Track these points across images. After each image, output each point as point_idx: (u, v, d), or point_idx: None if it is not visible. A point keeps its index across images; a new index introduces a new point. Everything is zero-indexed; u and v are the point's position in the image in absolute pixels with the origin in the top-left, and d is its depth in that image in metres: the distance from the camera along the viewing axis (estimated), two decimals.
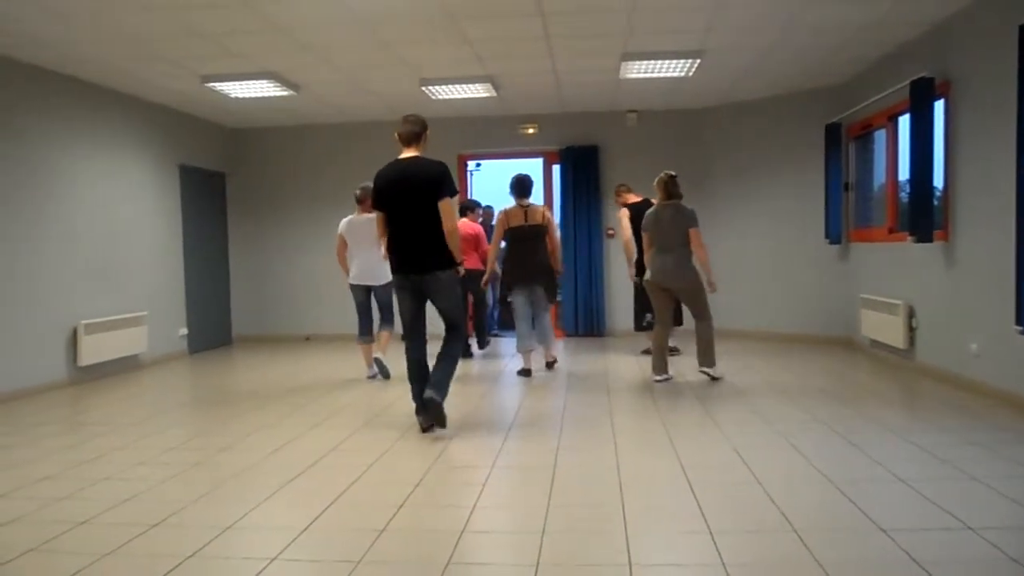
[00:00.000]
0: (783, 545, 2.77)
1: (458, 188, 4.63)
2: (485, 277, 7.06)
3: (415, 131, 4.64)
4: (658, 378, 6.12)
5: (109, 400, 5.98)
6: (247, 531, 3.07)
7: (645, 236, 6.13)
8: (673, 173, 6.10)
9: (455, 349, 4.68)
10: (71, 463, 4.09)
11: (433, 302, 4.66)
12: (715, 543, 2.80)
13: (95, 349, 6.83)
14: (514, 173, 6.73)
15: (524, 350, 6.66)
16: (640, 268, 6.59)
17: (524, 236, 6.54)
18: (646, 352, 7.97)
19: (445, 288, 4.61)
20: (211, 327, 9.12)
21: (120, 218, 7.43)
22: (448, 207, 4.48)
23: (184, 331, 8.49)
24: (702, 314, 6.05)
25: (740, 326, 8.85)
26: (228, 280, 9.61)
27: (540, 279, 6.59)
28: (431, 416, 4.51)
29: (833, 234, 7.83)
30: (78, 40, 5.72)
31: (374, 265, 6.34)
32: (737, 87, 8.01)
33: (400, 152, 4.64)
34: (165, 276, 8.19)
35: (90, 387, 6.55)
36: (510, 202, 6.63)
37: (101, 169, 7.18)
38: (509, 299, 6.68)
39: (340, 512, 3.26)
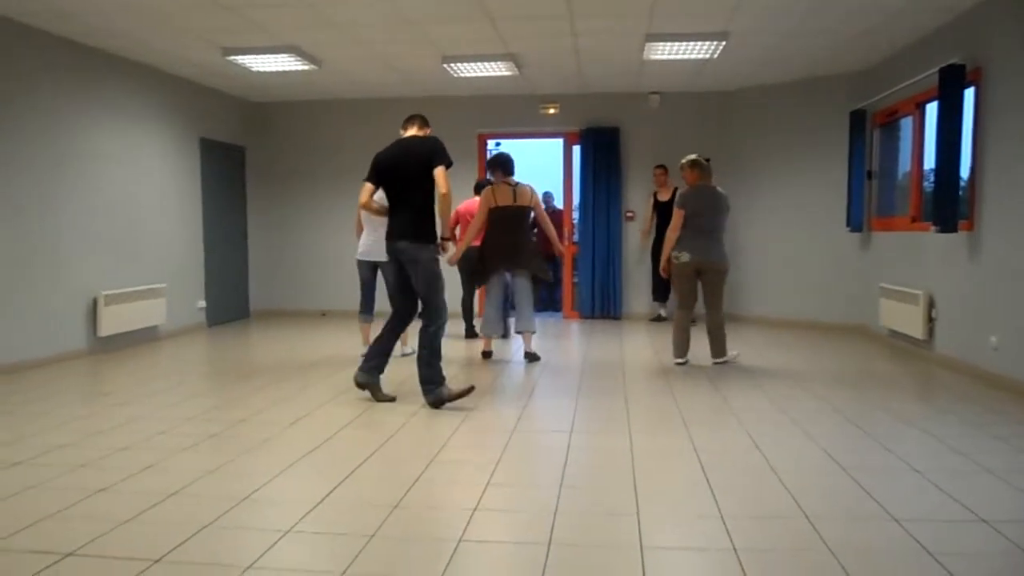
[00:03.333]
0: (795, 531, 2.77)
1: (452, 160, 4.60)
2: (454, 255, 6.46)
3: (415, 115, 4.90)
4: (679, 361, 6.10)
5: (128, 371, 6.04)
6: (262, 503, 3.10)
7: (679, 215, 5.97)
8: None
9: (427, 335, 4.62)
10: (90, 432, 4.15)
11: (410, 276, 4.69)
12: (727, 528, 2.80)
13: (115, 320, 6.90)
14: (496, 152, 6.46)
15: (488, 334, 6.45)
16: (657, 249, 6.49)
17: (509, 216, 6.18)
18: (659, 319, 8.29)
19: (418, 262, 4.61)
20: (229, 300, 9.18)
21: (141, 190, 7.48)
22: (442, 174, 4.51)
23: (202, 304, 8.56)
24: (720, 303, 6.03)
25: (756, 312, 8.81)
26: (246, 254, 9.65)
27: (524, 263, 6.28)
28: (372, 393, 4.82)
29: (854, 222, 7.75)
30: (102, 11, 5.72)
31: (383, 242, 6.25)
32: (762, 70, 7.92)
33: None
34: (184, 249, 8.25)
35: (109, 358, 6.63)
36: (525, 181, 6.35)
37: (123, 141, 7.22)
38: (484, 282, 6.42)
39: (354, 486, 3.29)
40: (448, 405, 4.65)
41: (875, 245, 7.66)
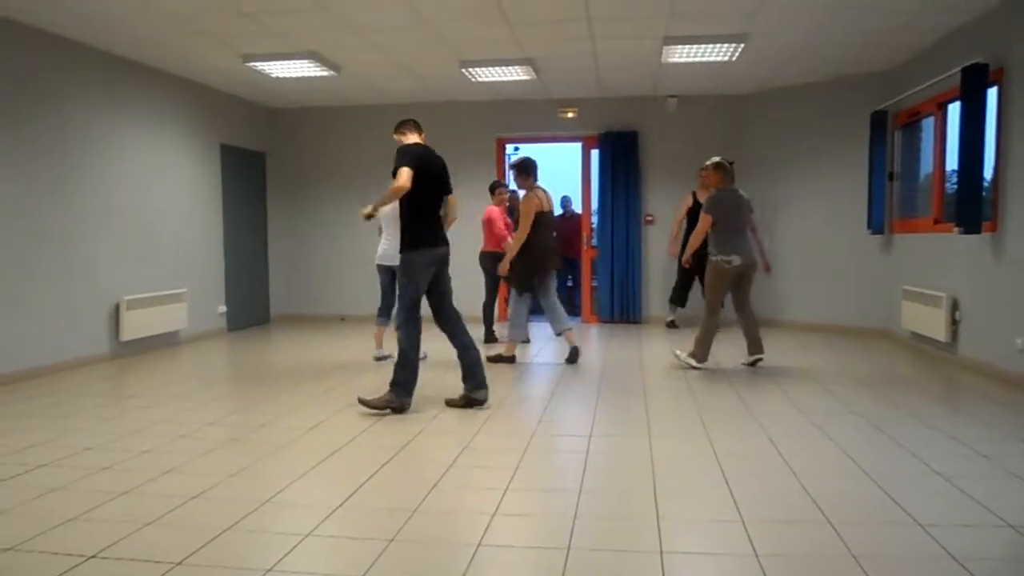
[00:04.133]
0: (817, 537, 2.74)
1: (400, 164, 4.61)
2: (505, 263, 6.45)
3: (414, 120, 4.94)
4: (700, 366, 6.07)
5: (150, 375, 6.10)
6: (282, 506, 3.12)
7: (708, 221, 5.95)
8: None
9: (400, 335, 4.70)
10: (114, 435, 4.19)
11: (442, 277, 4.82)
12: (747, 532, 2.78)
13: (137, 325, 6.97)
14: (523, 156, 6.50)
15: (518, 339, 6.53)
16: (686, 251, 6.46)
17: (551, 220, 6.42)
18: (672, 324, 8.44)
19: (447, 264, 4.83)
20: (249, 305, 9.24)
21: (162, 196, 7.56)
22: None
23: (223, 309, 8.62)
24: (748, 300, 6.06)
25: (776, 315, 8.74)
26: (266, 259, 9.72)
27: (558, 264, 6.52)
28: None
29: (875, 224, 7.68)
30: (123, 17, 5.79)
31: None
32: (781, 72, 7.87)
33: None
34: (205, 254, 8.32)
35: (132, 362, 6.70)
36: (544, 186, 6.42)
37: (145, 147, 7.30)
38: (532, 288, 6.41)
39: (374, 491, 3.30)
40: (462, 410, 4.67)
41: (897, 247, 7.58)
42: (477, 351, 4.80)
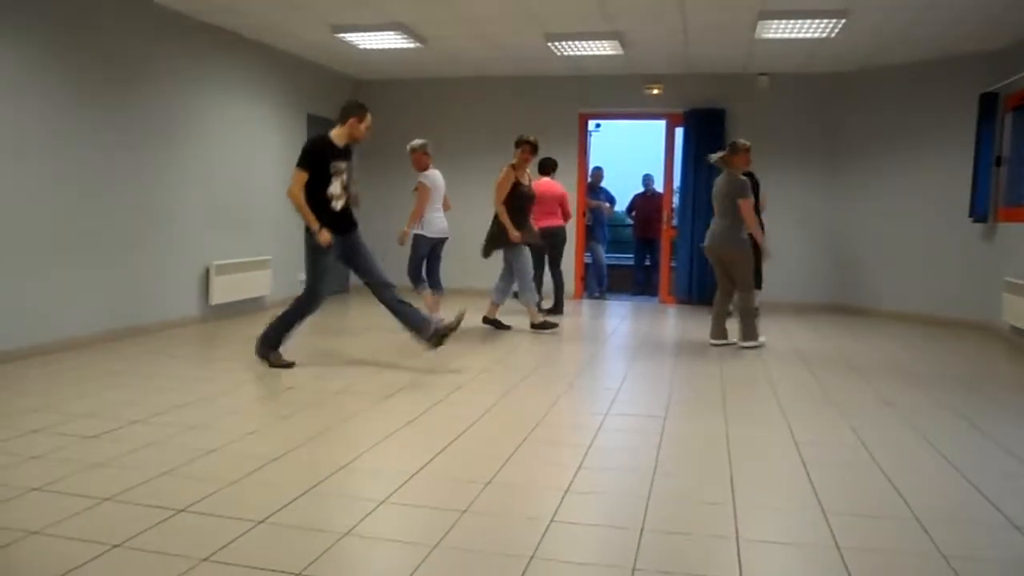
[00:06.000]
0: (904, 533, 2.63)
1: (301, 162, 4.99)
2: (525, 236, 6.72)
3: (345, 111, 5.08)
4: (714, 342, 6.26)
5: (237, 338, 6.31)
6: (359, 472, 3.18)
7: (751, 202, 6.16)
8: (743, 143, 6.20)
9: (293, 304, 5.26)
10: (203, 394, 4.36)
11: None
12: (829, 524, 2.69)
13: (225, 289, 7.21)
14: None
15: (535, 302, 6.88)
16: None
17: (531, 196, 6.86)
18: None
19: (305, 247, 5.27)
20: (329, 274, 9.41)
21: (251, 164, 7.77)
22: (295, 174, 4.95)
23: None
24: (739, 286, 6.15)
25: (867, 304, 8.44)
26: None
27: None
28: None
29: (979, 211, 7.28)
30: None
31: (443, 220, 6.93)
32: (883, 50, 7.49)
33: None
34: (289, 223, 8.47)
35: (219, 325, 6.94)
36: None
37: (235, 116, 7.50)
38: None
39: (448, 460, 3.33)
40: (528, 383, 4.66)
41: (1001, 236, 7.17)
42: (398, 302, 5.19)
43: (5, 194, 5.09)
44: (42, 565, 2.27)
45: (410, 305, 5.19)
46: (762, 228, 7.49)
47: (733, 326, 6.39)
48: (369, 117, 5.08)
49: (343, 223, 5.11)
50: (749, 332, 6.18)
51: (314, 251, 5.09)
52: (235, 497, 2.84)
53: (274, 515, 2.67)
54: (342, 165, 5.02)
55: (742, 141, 6.21)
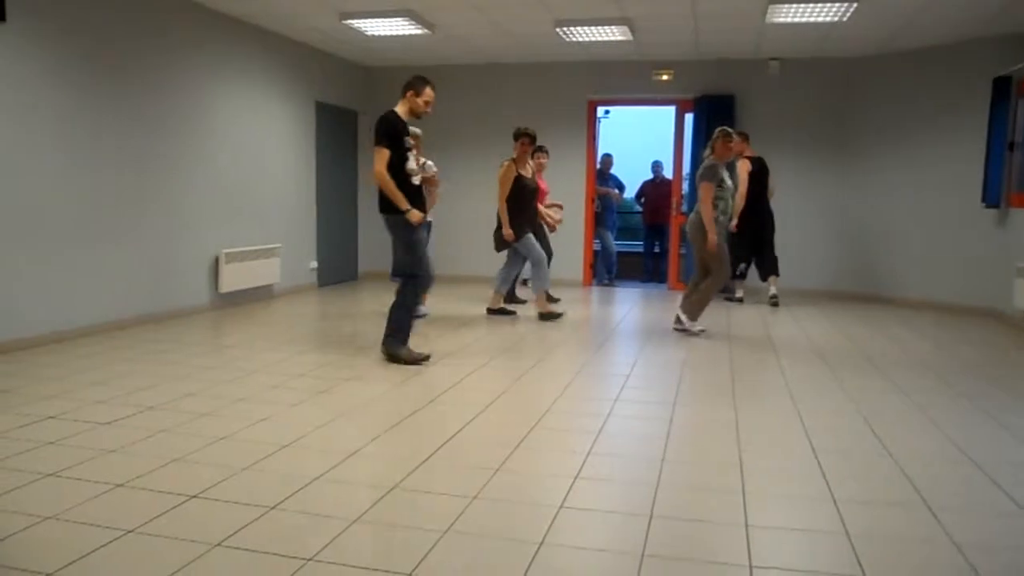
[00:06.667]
0: (915, 521, 2.63)
1: (382, 141, 4.76)
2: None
3: (405, 84, 4.99)
4: (687, 326, 6.27)
5: (246, 326, 6.34)
6: (369, 458, 3.20)
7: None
8: (723, 129, 6.18)
9: (399, 298, 4.93)
10: (213, 382, 4.38)
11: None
12: (839, 511, 2.69)
13: (234, 277, 7.23)
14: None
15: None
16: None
17: (534, 188, 6.82)
18: (730, 299, 8.24)
19: (391, 231, 4.90)
20: (339, 262, 9.46)
21: (260, 152, 7.77)
22: (375, 153, 4.73)
23: (314, 264, 8.86)
24: (707, 271, 6.15)
25: (878, 291, 8.40)
26: (356, 217, 9.90)
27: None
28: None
29: (991, 197, 7.22)
30: None
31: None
32: (896, 35, 7.41)
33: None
34: (298, 211, 8.54)
35: (229, 313, 6.97)
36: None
37: (244, 104, 7.51)
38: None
39: (458, 447, 3.34)
40: (541, 372, 4.66)
41: (1013, 222, 7.11)
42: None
43: (20, 183, 5.12)
44: (58, 549, 2.30)
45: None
46: (771, 216, 7.57)
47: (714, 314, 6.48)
48: (429, 91, 4.94)
49: (420, 200, 4.94)
50: (692, 311, 6.21)
51: (406, 230, 4.85)
52: (247, 484, 2.87)
53: (285, 501, 2.69)
54: (411, 141, 4.94)
55: (722, 129, 6.16)
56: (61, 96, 5.42)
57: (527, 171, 6.75)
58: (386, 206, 4.81)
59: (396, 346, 4.93)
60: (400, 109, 4.90)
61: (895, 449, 3.39)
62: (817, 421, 3.82)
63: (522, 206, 6.66)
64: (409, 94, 4.91)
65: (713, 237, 5.93)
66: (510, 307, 7.10)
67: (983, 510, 2.74)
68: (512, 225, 6.62)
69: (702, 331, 6.18)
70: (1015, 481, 3.01)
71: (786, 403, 4.17)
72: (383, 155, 4.69)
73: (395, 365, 4.89)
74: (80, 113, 5.59)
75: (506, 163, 6.68)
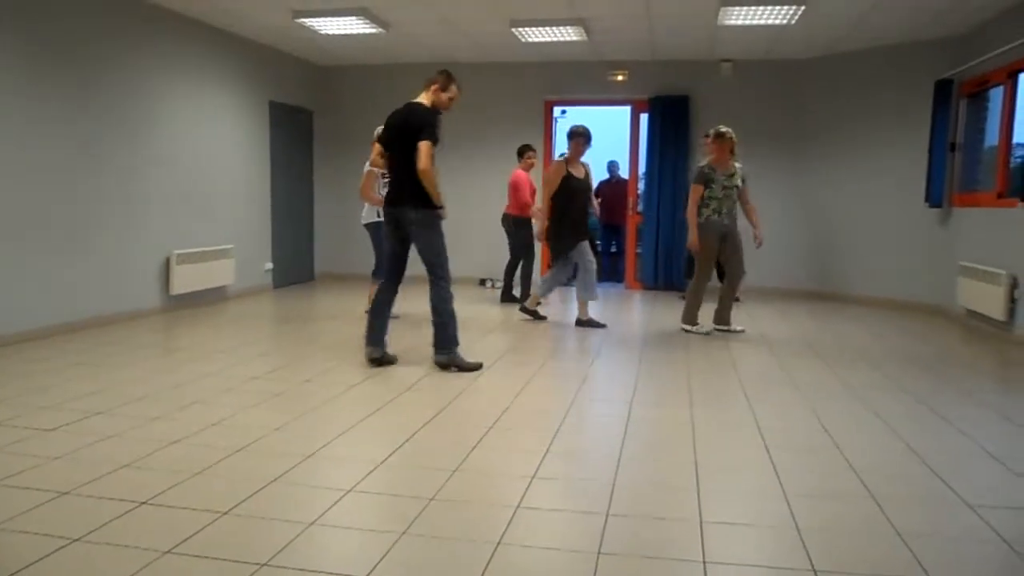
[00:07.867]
0: (861, 512, 2.70)
1: (438, 138, 4.66)
2: (540, 230, 6.71)
3: (429, 79, 4.84)
4: (716, 327, 6.38)
5: (199, 329, 6.23)
6: (325, 461, 3.17)
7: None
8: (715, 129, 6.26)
9: (438, 299, 4.75)
10: (164, 386, 4.30)
11: (412, 241, 4.76)
12: (789, 505, 2.74)
13: (186, 279, 7.10)
14: (576, 123, 6.57)
15: (545, 295, 6.90)
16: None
17: (586, 189, 6.64)
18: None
19: (417, 227, 4.69)
20: (295, 263, 9.36)
21: (212, 152, 7.64)
22: (424, 147, 4.54)
23: (269, 266, 8.74)
24: (723, 275, 6.43)
25: (827, 288, 8.59)
26: (312, 217, 9.81)
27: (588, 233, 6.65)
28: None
29: (934, 197, 7.43)
30: None
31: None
32: (842, 38, 7.59)
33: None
34: (252, 211, 8.42)
35: (181, 315, 6.84)
36: (589, 150, 6.56)
37: (195, 103, 7.37)
38: (563, 255, 6.58)
39: (415, 449, 3.33)
40: (501, 372, 4.66)
41: (955, 221, 7.34)
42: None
43: None
44: (0, 560, 2.24)
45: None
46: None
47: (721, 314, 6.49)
48: (455, 88, 4.86)
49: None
50: (688, 315, 6.40)
51: (434, 229, 4.73)
52: (198, 489, 2.82)
53: (239, 506, 2.65)
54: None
55: (715, 128, 6.26)
56: (8, 97, 5.26)
57: (578, 170, 6.52)
58: (419, 200, 4.64)
59: (457, 355, 4.81)
60: (423, 101, 4.80)
61: (844, 444, 3.47)
62: (769, 418, 3.89)
63: (569, 205, 6.42)
64: (435, 88, 4.81)
65: (693, 236, 6.11)
66: (541, 312, 6.96)
67: (927, 502, 2.82)
68: (559, 224, 6.42)
69: (742, 330, 6.38)
70: (955, 472, 3.11)
71: (740, 400, 4.24)
72: (431, 150, 4.59)
73: (349, 367, 4.85)
74: (24, 115, 5.43)
75: (557, 162, 6.60)
